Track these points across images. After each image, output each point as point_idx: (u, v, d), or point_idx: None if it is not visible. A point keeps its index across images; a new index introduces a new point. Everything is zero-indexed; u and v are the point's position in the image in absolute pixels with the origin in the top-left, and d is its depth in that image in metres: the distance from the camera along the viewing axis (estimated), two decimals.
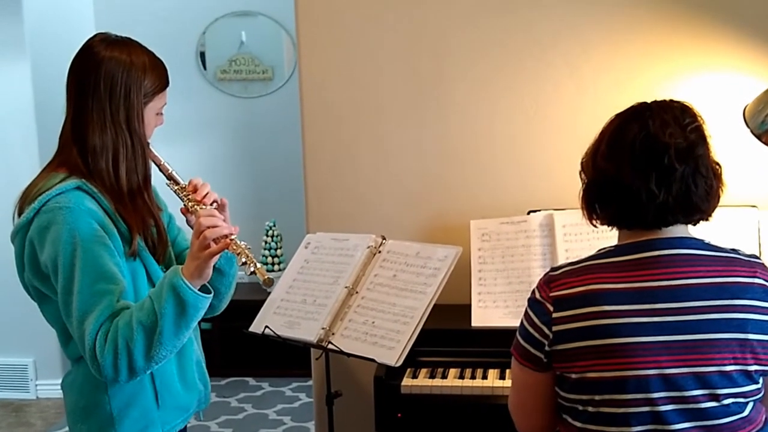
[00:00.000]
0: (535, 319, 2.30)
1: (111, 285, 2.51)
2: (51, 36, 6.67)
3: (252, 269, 2.59)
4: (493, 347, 3.49)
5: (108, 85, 2.63)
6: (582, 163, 2.40)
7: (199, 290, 2.52)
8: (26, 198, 2.64)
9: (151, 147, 2.77)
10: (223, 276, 2.66)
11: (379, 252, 3.69)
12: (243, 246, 2.60)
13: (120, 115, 2.64)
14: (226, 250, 2.56)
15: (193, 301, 2.50)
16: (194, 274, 2.50)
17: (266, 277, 2.58)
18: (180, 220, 2.97)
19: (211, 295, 2.59)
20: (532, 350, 2.31)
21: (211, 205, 2.77)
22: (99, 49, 2.65)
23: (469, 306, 3.77)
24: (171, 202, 2.96)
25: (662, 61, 3.94)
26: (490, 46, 4.09)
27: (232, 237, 2.57)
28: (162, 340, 2.48)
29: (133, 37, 2.77)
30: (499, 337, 3.32)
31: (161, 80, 2.75)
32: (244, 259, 2.59)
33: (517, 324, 2.40)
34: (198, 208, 2.73)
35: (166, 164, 2.80)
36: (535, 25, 4.03)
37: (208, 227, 2.51)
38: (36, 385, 6.89)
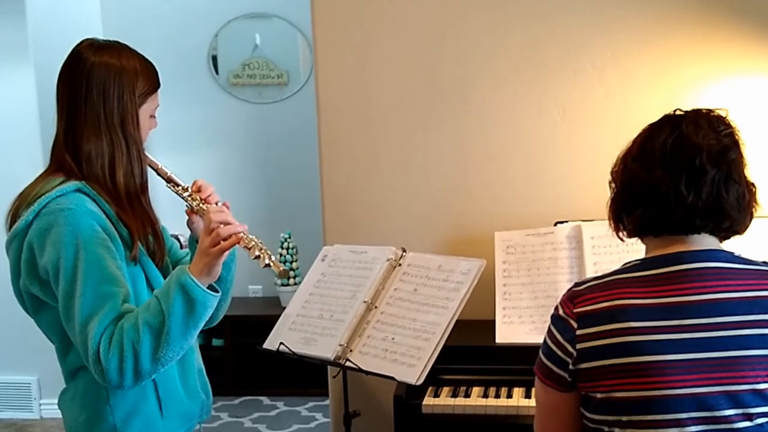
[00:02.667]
0: (559, 337, 2.31)
1: (115, 288, 2.55)
2: (56, 40, 6.68)
3: (267, 262, 2.64)
4: (518, 365, 3.52)
5: (100, 90, 2.69)
6: (612, 172, 2.42)
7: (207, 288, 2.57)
8: (21, 203, 2.68)
9: (146, 152, 2.83)
10: (220, 282, 2.69)
11: (399, 265, 3.71)
12: (255, 239, 2.66)
13: (114, 120, 2.70)
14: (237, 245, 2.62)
15: (202, 299, 2.54)
16: (203, 271, 2.56)
17: (281, 268, 2.64)
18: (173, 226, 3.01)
19: (219, 294, 2.62)
20: (556, 369, 2.32)
21: (217, 204, 2.84)
22: (88, 55, 2.71)
23: (494, 321, 3.79)
24: (171, 207, 3.00)
25: (692, 64, 3.96)
26: (515, 51, 4.11)
27: (243, 232, 2.62)
28: (169, 341, 2.51)
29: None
30: (525, 353, 3.32)
31: (153, 82, 2.81)
32: (257, 253, 2.64)
33: None
34: (204, 207, 2.81)
35: (163, 167, 2.87)
36: (562, 29, 4.06)
37: (220, 223, 2.56)
38: (40, 405, 6.93)
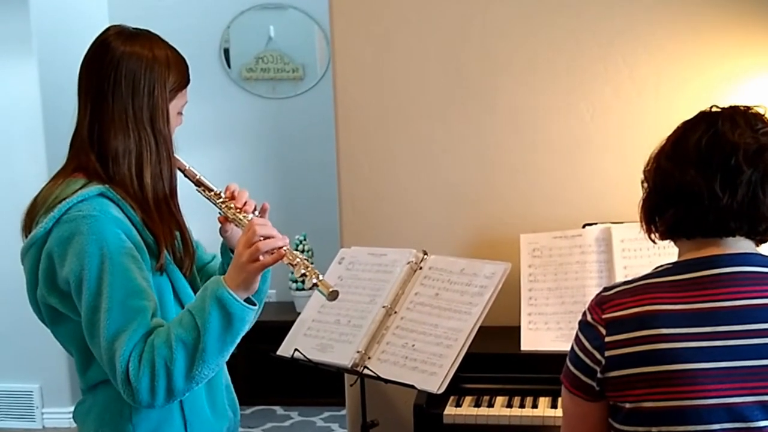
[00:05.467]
0: (587, 344, 2.31)
1: (143, 301, 2.49)
2: (60, 31, 6.75)
3: (314, 281, 2.56)
4: (543, 373, 3.54)
5: (130, 83, 2.61)
6: (644, 171, 2.42)
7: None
8: (39, 207, 2.61)
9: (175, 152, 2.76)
10: (256, 293, 2.61)
11: (420, 268, 3.73)
12: (300, 256, 2.58)
13: (144, 116, 2.63)
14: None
15: (241, 314, 2.49)
16: (241, 285, 2.50)
17: (331, 289, 2.56)
18: (202, 230, 2.99)
19: (257, 307, 2.59)
20: (583, 378, 2.33)
21: (254, 212, 2.79)
22: (117, 44, 2.63)
23: (518, 328, 3.80)
24: (196, 210, 3.00)
25: (728, 59, 3.97)
26: (542, 43, 4.12)
27: (286, 247, 2.56)
28: (205, 358, 2.46)
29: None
30: (551, 362, 3.32)
31: (184, 76, 2.75)
32: (303, 271, 2.56)
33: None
34: (241, 216, 2.75)
35: (191, 169, 2.80)
36: (593, 21, 4.06)
37: (262, 237, 2.51)
38: (42, 414, 6.95)
